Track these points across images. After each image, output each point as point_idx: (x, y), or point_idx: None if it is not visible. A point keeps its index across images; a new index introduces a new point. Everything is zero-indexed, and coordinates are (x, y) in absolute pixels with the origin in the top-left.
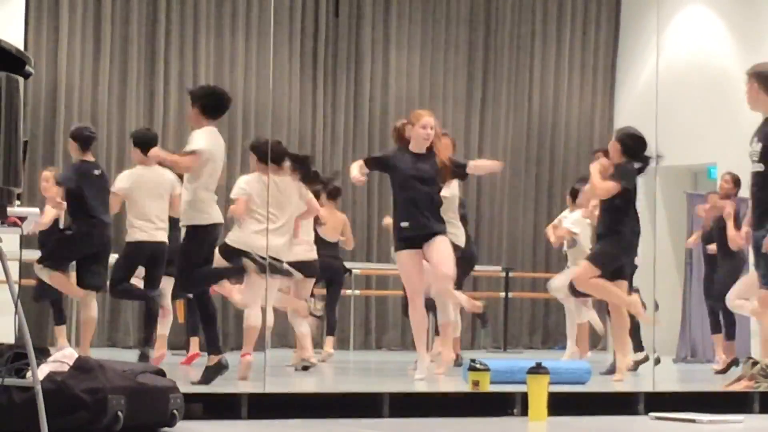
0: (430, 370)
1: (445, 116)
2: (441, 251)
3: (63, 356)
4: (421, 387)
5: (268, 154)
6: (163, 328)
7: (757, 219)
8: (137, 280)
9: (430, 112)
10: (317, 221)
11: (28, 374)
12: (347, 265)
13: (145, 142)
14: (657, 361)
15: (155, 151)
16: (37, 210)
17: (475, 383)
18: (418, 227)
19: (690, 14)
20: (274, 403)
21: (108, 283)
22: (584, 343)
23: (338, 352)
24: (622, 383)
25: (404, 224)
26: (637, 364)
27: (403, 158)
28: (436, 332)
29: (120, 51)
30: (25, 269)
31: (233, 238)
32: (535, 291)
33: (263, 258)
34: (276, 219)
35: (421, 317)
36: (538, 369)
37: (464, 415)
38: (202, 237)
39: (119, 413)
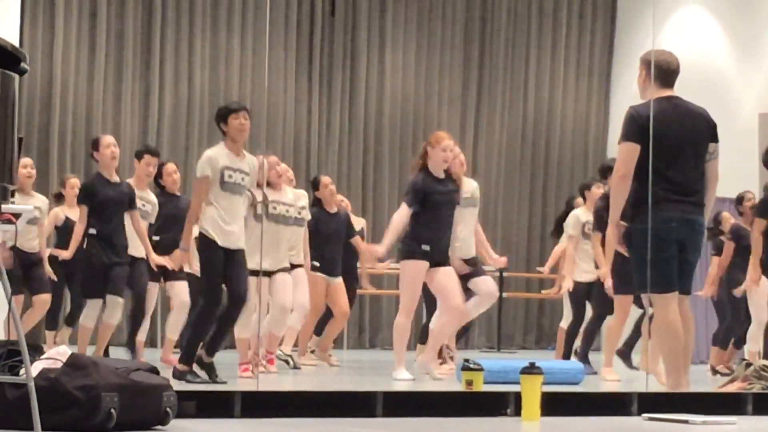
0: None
1: (440, 116)
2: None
3: (56, 353)
4: (415, 387)
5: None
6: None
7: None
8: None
9: (449, 135)
10: None
11: (22, 371)
12: None
13: None
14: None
15: None
16: (31, 207)
17: (469, 383)
18: (437, 249)
19: (686, 16)
20: (267, 402)
21: None
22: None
23: (331, 351)
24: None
25: (426, 247)
26: None
27: (428, 181)
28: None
29: (115, 48)
30: None
31: None
32: (529, 291)
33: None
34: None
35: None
36: (531, 369)
37: (458, 414)
38: None
39: (112, 411)
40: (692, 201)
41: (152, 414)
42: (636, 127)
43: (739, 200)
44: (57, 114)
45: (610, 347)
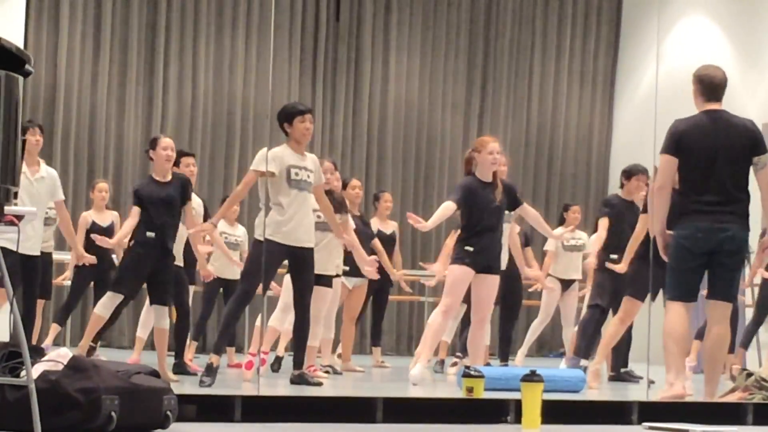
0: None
1: (444, 122)
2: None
3: (57, 355)
4: (415, 392)
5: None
6: None
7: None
8: None
9: (494, 138)
10: None
11: (22, 373)
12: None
13: None
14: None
15: None
16: (34, 209)
17: (469, 390)
18: (483, 253)
19: (690, 25)
20: (267, 406)
21: None
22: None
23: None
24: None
25: (469, 248)
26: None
27: (477, 187)
28: None
29: (120, 52)
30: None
31: None
32: (530, 299)
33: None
34: None
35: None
36: (532, 376)
37: (458, 421)
38: None
39: (113, 414)
40: (728, 211)
41: (153, 417)
42: (671, 140)
43: None
44: (61, 117)
45: (606, 348)
